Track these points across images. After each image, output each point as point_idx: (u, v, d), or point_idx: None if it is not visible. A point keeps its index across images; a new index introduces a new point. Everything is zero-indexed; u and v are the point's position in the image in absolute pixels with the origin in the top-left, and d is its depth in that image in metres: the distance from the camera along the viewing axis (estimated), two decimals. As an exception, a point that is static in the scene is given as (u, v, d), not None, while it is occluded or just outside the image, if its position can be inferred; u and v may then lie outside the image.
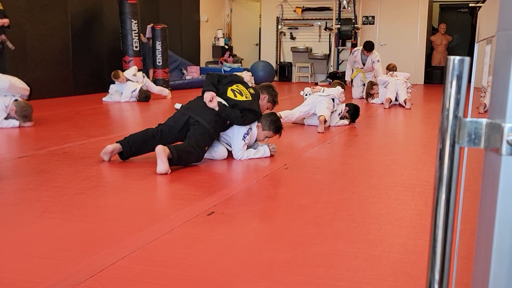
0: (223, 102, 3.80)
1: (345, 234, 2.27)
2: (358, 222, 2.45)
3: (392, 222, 2.45)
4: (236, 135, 3.82)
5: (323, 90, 5.76)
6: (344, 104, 5.80)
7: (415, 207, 2.73)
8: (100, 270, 1.85)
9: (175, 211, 2.56)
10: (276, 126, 3.86)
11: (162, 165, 3.32)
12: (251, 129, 3.84)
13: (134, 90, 7.89)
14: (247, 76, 9.09)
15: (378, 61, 8.98)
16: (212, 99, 3.73)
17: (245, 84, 4.10)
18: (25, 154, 3.95)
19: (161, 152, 3.33)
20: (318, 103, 5.53)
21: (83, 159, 3.76)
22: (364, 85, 8.82)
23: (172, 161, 3.40)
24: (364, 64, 9.02)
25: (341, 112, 5.74)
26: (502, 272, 0.58)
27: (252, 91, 4.02)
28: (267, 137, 3.92)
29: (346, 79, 9.38)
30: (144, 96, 7.89)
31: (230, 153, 3.89)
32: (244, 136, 3.80)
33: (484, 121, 0.58)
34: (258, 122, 3.87)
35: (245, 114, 3.75)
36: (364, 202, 2.82)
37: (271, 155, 3.94)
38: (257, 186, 3.20)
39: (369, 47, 8.96)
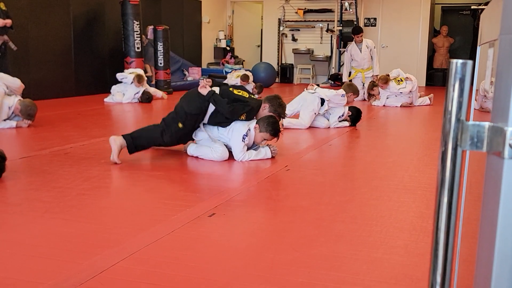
0: (216, 91, 3.87)
1: (346, 236, 2.27)
2: (359, 224, 2.44)
3: (393, 225, 2.45)
4: (235, 136, 3.82)
5: (315, 89, 5.67)
6: (347, 108, 5.78)
7: (416, 209, 2.73)
8: (101, 271, 1.86)
9: (176, 212, 2.56)
10: (273, 128, 3.78)
11: (113, 154, 3.64)
12: (249, 130, 3.83)
13: (137, 92, 7.91)
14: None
15: (374, 47, 9.11)
16: (205, 86, 3.87)
17: (248, 92, 4.12)
18: (27, 155, 3.96)
19: (113, 142, 3.66)
20: (305, 106, 5.55)
21: (84, 160, 3.76)
22: (364, 85, 8.81)
23: (128, 144, 3.70)
24: (361, 51, 9.02)
25: (343, 115, 5.72)
26: (504, 275, 0.58)
27: (253, 97, 4.06)
28: (264, 139, 3.85)
29: (343, 80, 9.40)
30: (146, 97, 7.90)
31: (230, 155, 3.89)
32: (243, 137, 3.79)
33: (486, 124, 0.58)
34: (255, 123, 3.85)
35: (232, 104, 3.79)
36: (365, 204, 2.82)
37: (272, 157, 3.94)
38: (258, 187, 3.20)
39: (356, 30, 9.06)
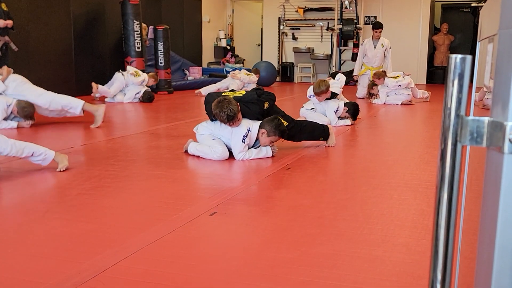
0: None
1: (348, 235, 2.27)
2: (361, 222, 2.44)
3: (394, 222, 2.45)
4: (234, 137, 3.82)
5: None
6: (342, 103, 5.74)
7: (417, 207, 2.72)
8: (102, 270, 1.86)
9: (177, 211, 2.56)
10: (280, 130, 3.86)
11: None
12: (249, 130, 3.83)
13: (138, 93, 7.91)
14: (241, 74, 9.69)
15: (390, 48, 9.10)
16: None
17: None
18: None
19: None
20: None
21: (85, 160, 3.76)
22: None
23: None
24: (375, 48, 9.02)
25: (337, 110, 5.67)
26: (504, 272, 0.58)
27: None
28: (272, 141, 3.92)
29: (354, 74, 9.40)
30: (148, 97, 7.90)
31: (231, 154, 3.88)
32: (243, 138, 3.80)
33: (486, 119, 0.58)
34: (262, 128, 3.86)
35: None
36: (366, 202, 2.81)
37: (272, 156, 3.94)
38: (259, 186, 3.19)
39: (376, 25, 9.06)
